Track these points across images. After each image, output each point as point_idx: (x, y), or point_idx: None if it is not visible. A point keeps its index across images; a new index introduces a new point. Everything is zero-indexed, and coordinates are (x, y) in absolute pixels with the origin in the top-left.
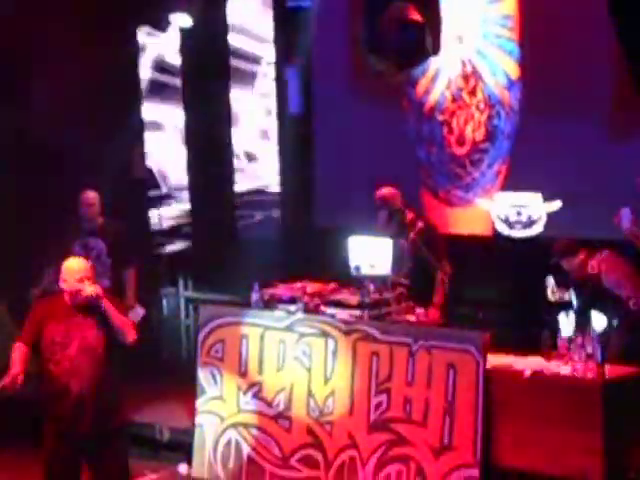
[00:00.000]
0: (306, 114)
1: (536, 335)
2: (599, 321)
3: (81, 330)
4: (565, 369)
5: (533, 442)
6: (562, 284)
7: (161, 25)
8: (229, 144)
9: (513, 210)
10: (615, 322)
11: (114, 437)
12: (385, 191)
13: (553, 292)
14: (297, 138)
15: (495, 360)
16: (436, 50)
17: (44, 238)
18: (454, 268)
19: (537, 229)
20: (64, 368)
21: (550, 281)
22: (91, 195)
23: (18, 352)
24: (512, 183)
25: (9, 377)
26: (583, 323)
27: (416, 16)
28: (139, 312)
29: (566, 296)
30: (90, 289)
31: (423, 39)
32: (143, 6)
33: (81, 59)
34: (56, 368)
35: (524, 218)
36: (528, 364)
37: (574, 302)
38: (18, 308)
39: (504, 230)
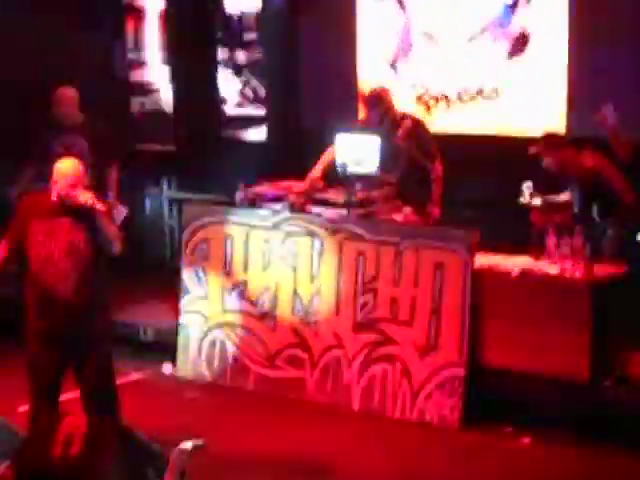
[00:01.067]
0: (290, 9)
1: (525, 234)
2: (601, 215)
3: (67, 232)
4: (553, 268)
5: (520, 342)
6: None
7: None
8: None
9: None
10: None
11: (99, 340)
12: (379, 89)
13: (528, 196)
14: (283, 37)
15: (483, 260)
16: None
17: (24, 135)
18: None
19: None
20: (48, 272)
21: (528, 185)
22: (68, 91)
23: None
24: None
25: None
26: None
27: None
28: (122, 211)
29: (535, 201)
30: (84, 197)
31: None
32: None
33: None
34: (40, 270)
35: None
36: (516, 264)
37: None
38: None
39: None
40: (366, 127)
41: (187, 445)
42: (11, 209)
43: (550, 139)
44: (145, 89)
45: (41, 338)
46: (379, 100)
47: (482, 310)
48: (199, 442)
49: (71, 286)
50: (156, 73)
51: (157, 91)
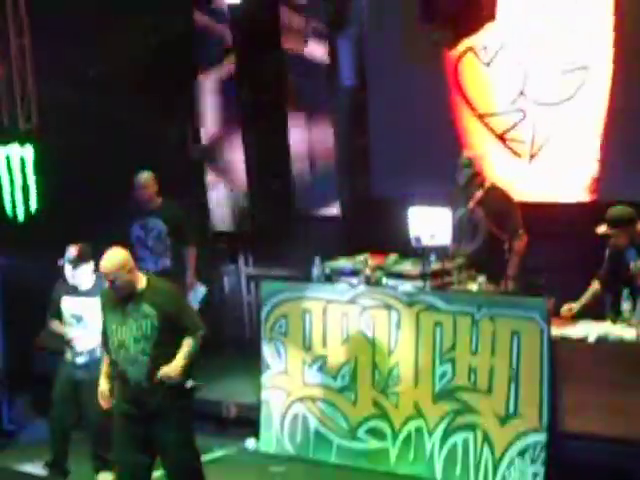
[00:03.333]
0: (359, 85)
1: (600, 300)
2: None
3: (134, 318)
4: (629, 333)
5: (599, 407)
6: None
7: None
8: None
9: None
10: None
11: (176, 416)
12: (472, 152)
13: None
14: (351, 109)
15: (559, 326)
16: (492, 16)
17: (107, 220)
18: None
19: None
20: (121, 356)
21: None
22: (144, 176)
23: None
24: None
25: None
26: None
27: None
28: (201, 290)
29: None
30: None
31: (479, 5)
32: None
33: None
34: (115, 355)
35: None
36: (592, 329)
37: None
38: None
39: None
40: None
41: None
42: None
43: (616, 218)
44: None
45: (122, 414)
46: (470, 162)
47: (560, 377)
48: None
49: (141, 369)
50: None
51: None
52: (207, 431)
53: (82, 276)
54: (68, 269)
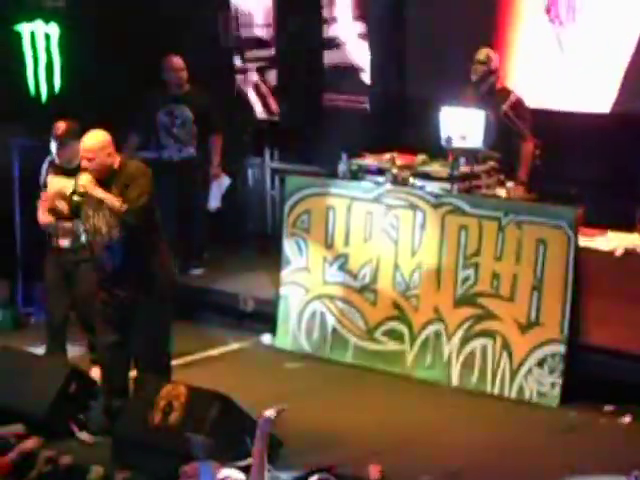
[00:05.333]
0: None
1: (631, 212)
2: None
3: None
4: None
5: (621, 320)
6: None
7: None
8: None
9: None
10: None
11: (146, 309)
12: (490, 50)
13: None
14: (387, 9)
15: (587, 236)
16: None
17: (132, 105)
18: (543, 143)
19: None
20: (97, 241)
21: None
22: (177, 60)
23: None
24: None
25: None
26: None
27: None
28: (225, 181)
29: None
30: (81, 181)
31: None
32: None
33: None
34: (92, 239)
35: None
36: (620, 242)
37: None
38: None
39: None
40: (474, 100)
41: (271, 412)
42: None
43: None
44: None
45: (101, 303)
46: (488, 58)
47: (584, 288)
48: (282, 406)
49: (114, 255)
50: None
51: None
52: (223, 323)
53: (68, 154)
54: (54, 147)
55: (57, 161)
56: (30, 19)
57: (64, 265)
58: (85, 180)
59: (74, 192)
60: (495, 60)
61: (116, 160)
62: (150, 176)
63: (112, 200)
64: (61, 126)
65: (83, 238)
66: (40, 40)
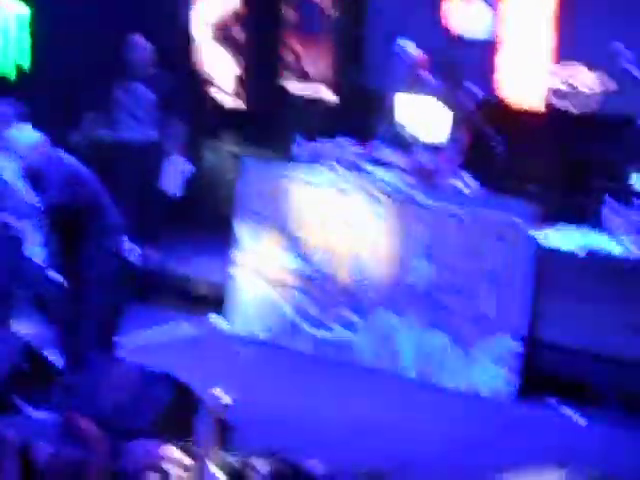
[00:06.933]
0: None
1: (587, 208)
2: None
3: None
4: (618, 248)
5: (578, 318)
6: None
7: None
8: None
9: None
10: None
11: None
12: None
13: None
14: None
15: (546, 233)
16: None
17: (96, 85)
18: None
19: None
20: None
21: None
22: (139, 40)
23: None
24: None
25: None
26: None
27: None
28: (185, 166)
29: None
30: None
31: None
32: None
33: None
34: None
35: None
36: (578, 239)
37: None
38: None
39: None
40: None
41: (221, 395)
42: (72, 155)
43: None
44: None
45: None
46: None
47: (543, 286)
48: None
49: None
50: None
51: None
52: (176, 307)
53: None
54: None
55: None
56: None
57: None
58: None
59: None
60: None
61: (44, 160)
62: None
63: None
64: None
65: None
66: (11, 21)
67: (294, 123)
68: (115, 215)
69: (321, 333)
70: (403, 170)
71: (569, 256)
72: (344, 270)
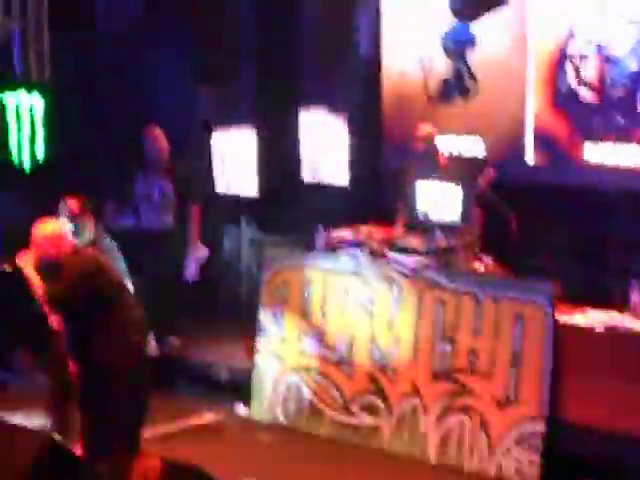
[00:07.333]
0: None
1: (609, 287)
2: None
3: None
4: (638, 324)
5: (601, 398)
6: None
7: None
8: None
9: None
10: None
11: None
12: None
13: None
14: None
15: (565, 312)
16: None
17: (112, 175)
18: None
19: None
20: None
21: None
22: (156, 131)
23: None
24: None
25: None
26: None
27: None
28: (203, 252)
29: None
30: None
31: None
32: None
33: None
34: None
35: None
36: (600, 319)
37: None
38: None
39: None
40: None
41: None
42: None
43: None
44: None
45: None
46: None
47: (563, 364)
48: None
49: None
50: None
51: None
52: (198, 394)
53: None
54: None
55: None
56: (14, 89)
57: None
58: (25, 256)
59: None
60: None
61: (62, 252)
62: (89, 272)
63: (35, 284)
64: (72, 203)
65: None
66: (25, 111)
67: (311, 209)
68: (138, 309)
69: (343, 417)
70: (421, 253)
71: (591, 333)
72: (367, 356)
